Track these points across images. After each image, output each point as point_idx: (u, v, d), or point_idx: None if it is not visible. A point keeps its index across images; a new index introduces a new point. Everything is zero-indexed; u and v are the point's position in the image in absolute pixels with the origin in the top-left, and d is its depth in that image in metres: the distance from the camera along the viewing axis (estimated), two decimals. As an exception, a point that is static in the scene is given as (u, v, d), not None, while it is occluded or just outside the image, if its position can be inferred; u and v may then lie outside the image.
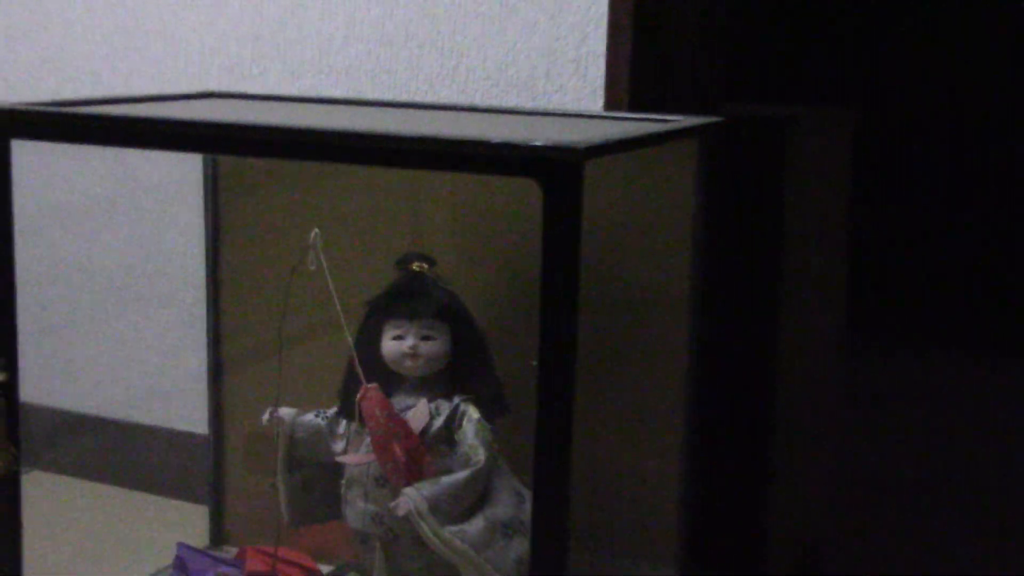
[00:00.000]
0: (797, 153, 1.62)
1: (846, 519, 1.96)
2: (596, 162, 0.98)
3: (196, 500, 1.62)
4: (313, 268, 1.16)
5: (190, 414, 1.70)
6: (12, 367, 1.17)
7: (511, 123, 1.26)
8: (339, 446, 1.22)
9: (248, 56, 1.67)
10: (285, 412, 1.24)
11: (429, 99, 1.55)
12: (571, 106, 1.48)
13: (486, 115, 1.35)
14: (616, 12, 1.44)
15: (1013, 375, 3.03)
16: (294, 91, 1.63)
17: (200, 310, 1.52)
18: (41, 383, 1.80)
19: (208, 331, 1.50)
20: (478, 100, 1.53)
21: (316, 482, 1.26)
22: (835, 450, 1.88)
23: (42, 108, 1.17)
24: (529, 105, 1.50)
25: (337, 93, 1.61)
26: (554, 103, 1.49)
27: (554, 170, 0.95)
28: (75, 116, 1.16)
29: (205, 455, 1.54)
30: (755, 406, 1.62)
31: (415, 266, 1.20)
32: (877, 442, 2.45)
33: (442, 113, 1.35)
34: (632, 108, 1.43)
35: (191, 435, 1.69)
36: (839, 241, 1.82)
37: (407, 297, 1.19)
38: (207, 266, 1.49)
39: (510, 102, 1.51)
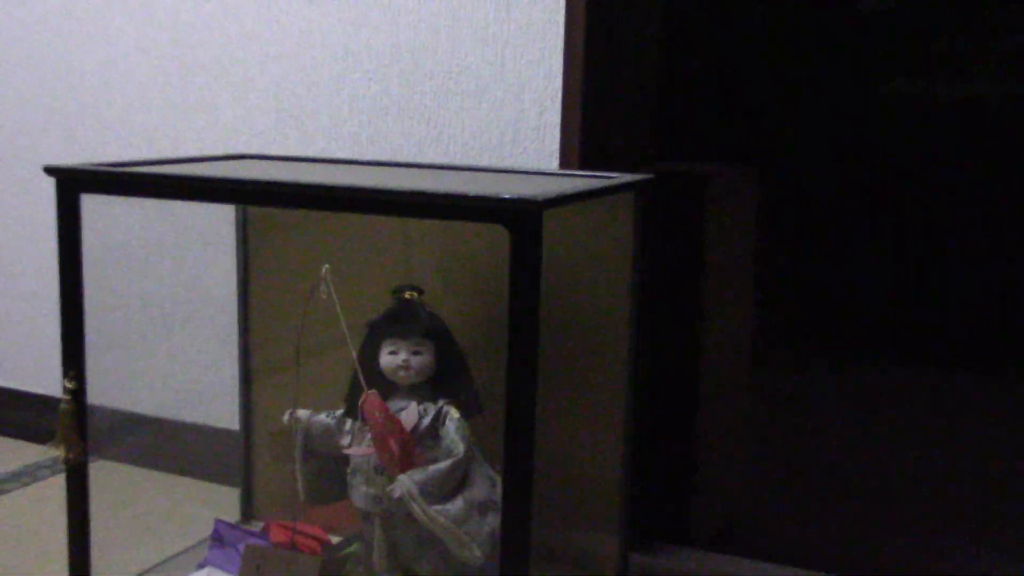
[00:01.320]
0: (714, 201, 1.63)
1: (755, 496, 1.96)
2: (553, 211, 0.99)
3: (230, 484, 1.60)
4: (324, 297, 1.15)
5: (225, 414, 1.69)
6: (80, 378, 1.17)
7: (484, 179, 1.26)
8: (345, 440, 1.21)
9: (272, 125, 1.66)
10: (302, 413, 1.23)
11: (418, 160, 1.56)
12: (532, 166, 1.48)
13: (463, 173, 1.34)
14: (568, 91, 1.44)
15: (878, 373, 3.05)
16: (309, 153, 1.63)
17: (233, 329, 1.52)
18: (105, 389, 1.78)
19: (239, 347, 1.50)
20: (457, 161, 1.53)
21: (327, 469, 1.25)
22: (745, 440, 1.88)
23: (105, 168, 1.17)
24: (498, 165, 1.50)
25: (344, 155, 1.61)
26: (519, 163, 1.49)
27: (518, 218, 0.96)
28: (132, 175, 1.15)
29: (237, 447, 1.54)
30: (681, 404, 1.62)
31: (407, 295, 1.20)
32: (780, 433, 2.45)
33: (428, 172, 1.34)
34: (582, 167, 1.44)
35: (226, 431, 1.68)
36: (747, 270, 1.83)
37: (400, 320, 1.19)
38: (239, 294, 1.49)
39: (483, 162, 1.52)
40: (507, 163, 1.50)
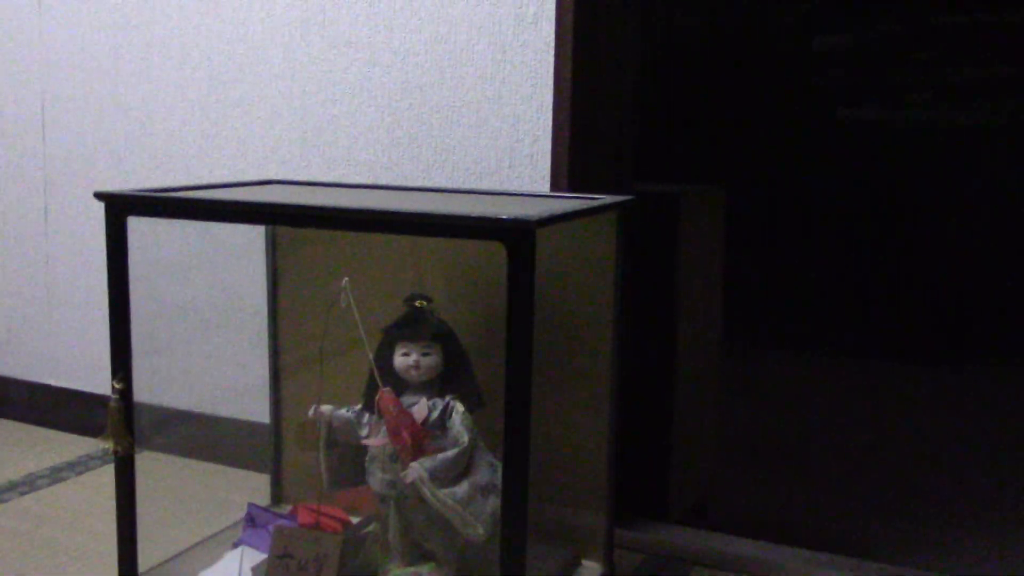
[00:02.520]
0: (687, 217, 1.62)
1: (725, 475, 1.96)
2: (545, 229, 0.98)
3: (261, 471, 1.59)
4: (344, 306, 1.15)
5: (257, 408, 1.68)
6: (128, 379, 1.16)
7: (484, 201, 1.25)
8: (364, 432, 1.20)
9: (297, 153, 1.66)
10: (325, 408, 1.22)
11: (426, 183, 1.55)
12: (526, 188, 1.48)
13: (466, 195, 1.34)
14: (557, 123, 1.44)
15: (837, 364, 3.05)
16: (330, 178, 1.62)
17: (263, 333, 1.50)
18: (150, 387, 1.77)
19: (269, 348, 1.49)
20: (460, 184, 1.53)
21: (347, 457, 1.23)
22: (716, 425, 1.88)
23: (148, 194, 1.16)
24: (497, 187, 1.49)
25: (360, 180, 1.60)
26: (515, 186, 1.49)
27: (515, 235, 0.95)
28: (173, 199, 1.15)
29: (268, 438, 1.53)
30: (659, 394, 1.62)
31: (417, 303, 1.18)
32: (747, 418, 2.45)
33: (435, 194, 1.34)
34: (570, 189, 1.44)
35: (258, 423, 1.67)
36: (717, 275, 1.83)
37: (411, 325, 1.18)
38: (268, 301, 1.48)
39: (483, 186, 1.51)
40: (504, 186, 1.49)
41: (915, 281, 3.25)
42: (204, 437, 1.76)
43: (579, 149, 1.45)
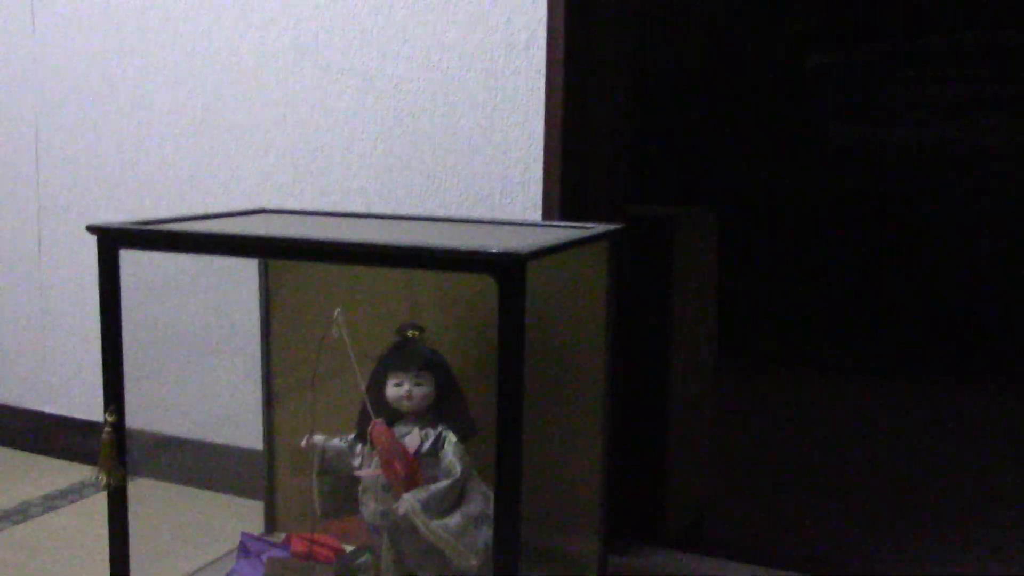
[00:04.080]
0: (680, 241, 1.63)
1: (722, 496, 1.96)
2: (535, 263, 0.99)
3: (255, 498, 1.59)
4: (336, 336, 1.15)
5: (250, 435, 1.68)
6: (120, 412, 1.16)
7: (475, 231, 1.25)
8: (356, 462, 1.20)
9: (290, 181, 1.66)
10: (318, 438, 1.22)
11: (418, 211, 1.55)
12: (518, 215, 1.48)
13: (457, 224, 1.34)
14: (548, 150, 1.45)
15: (832, 383, 3.06)
16: (323, 205, 1.63)
17: (257, 360, 1.50)
18: (144, 413, 1.77)
19: (262, 375, 1.49)
20: (453, 211, 1.53)
21: (341, 487, 1.23)
22: (712, 446, 1.88)
23: (140, 227, 1.16)
24: (489, 215, 1.50)
25: (354, 207, 1.60)
26: (507, 213, 1.49)
27: (505, 269, 0.96)
28: (165, 232, 1.15)
29: (262, 464, 1.52)
30: (653, 415, 1.62)
31: (409, 333, 1.19)
32: (744, 438, 2.45)
33: (427, 224, 1.34)
34: (562, 215, 1.44)
35: (251, 450, 1.67)
36: (711, 298, 1.83)
37: (403, 355, 1.18)
38: (261, 328, 1.48)
39: (476, 213, 1.52)
40: (496, 213, 1.50)
41: (910, 298, 3.27)
42: (198, 464, 1.76)
43: (570, 176, 1.46)
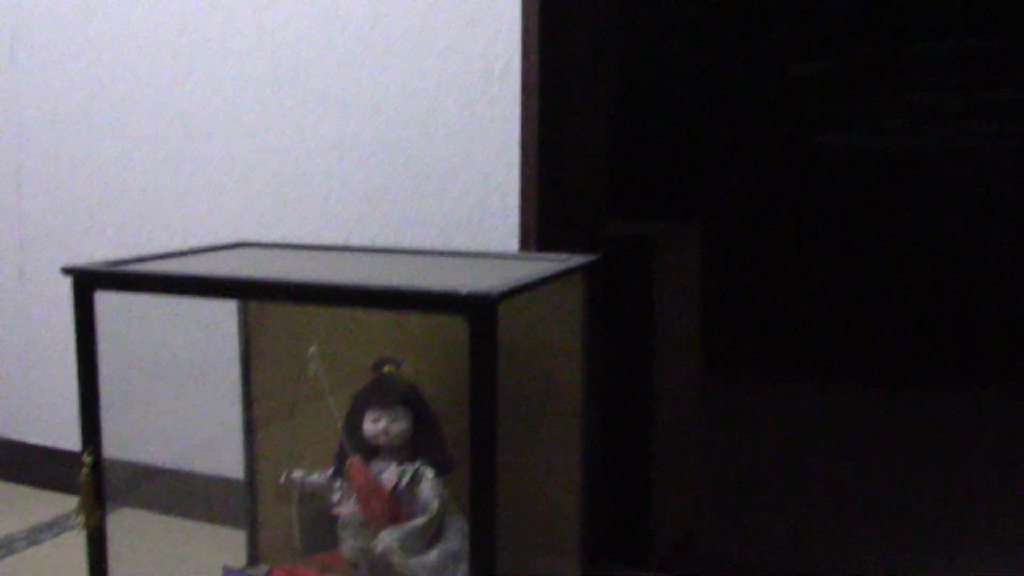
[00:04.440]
0: (661, 258, 1.64)
1: (711, 512, 1.96)
2: (508, 302, 0.99)
3: (237, 527, 1.59)
4: (312, 375, 1.16)
5: (231, 465, 1.68)
6: (98, 452, 1.16)
7: (451, 265, 1.25)
8: (335, 498, 1.20)
9: (271, 208, 1.67)
10: (297, 474, 1.23)
11: (398, 238, 1.56)
12: (497, 242, 1.48)
13: (433, 258, 1.34)
14: (525, 178, 1.45)
15: (817, 397, 3.07)
16: (304, 233, 1.63)
17: (237, 386, 1.49)
18: (125, 443, 1.77)
19: (243, 402, 1.49)
20: (433, 238, 1.53)
21: (321, 521, 1.24)
22: (698, 463, 1.88)
23: (116, 270, 1.16)
24: (468, 245, 1.50)
25: (334, 234, 1.61)
26: (486, 239, 1.49)
27: (476, 310, 0.97)
28: (141, 274, 1.15)
29: (243, 494, 1.52)
30: (637, 436, 1.62)
31: (386, 368, 1.20)
32: (731, 453, 2.45)
33: (404, 256, 1.34)
34: (540, 241, 1.44)
35: (234, 480, 1.67)
36: (694, 315, 1.84)
37: (380, 391, 1.19)
38: (241, 355, 1.47)
39: (456, 238, 1.52)
40: (475, 241, 1.50)
41: (898, 306, 3.28)
42: (180, 493, 1.76)
43: (548, 204, 1.46)
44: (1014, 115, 3.22)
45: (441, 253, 1.38)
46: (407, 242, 1.55)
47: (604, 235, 1.63)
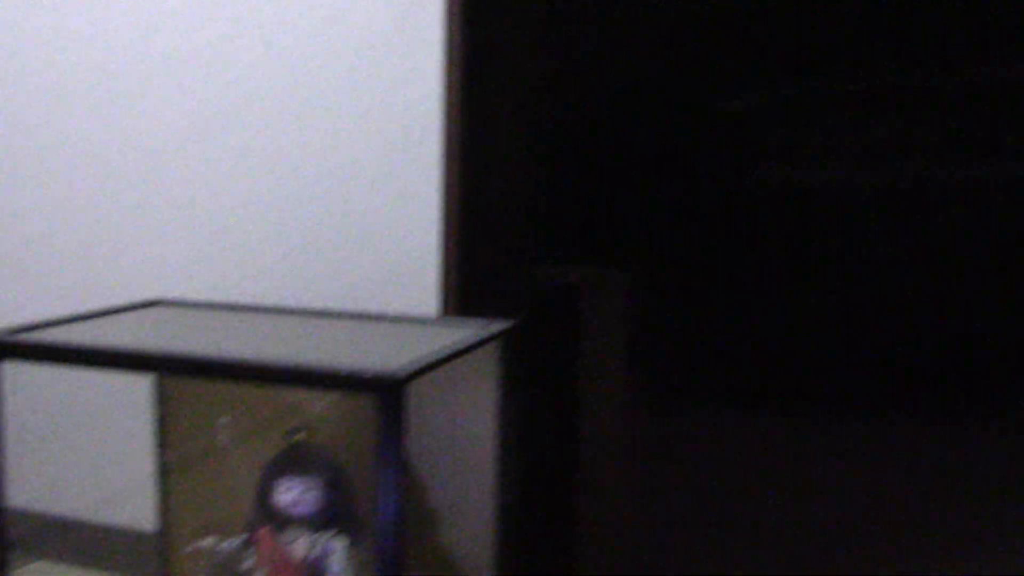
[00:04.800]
0: (588, 307, 1.66)
1: (639, 547, 1.97)
2: (417, 380, 1.01)
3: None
4: (223, 446, 1.16)
5: (143, 515, 1.65)
6: (2, 518, 1.14)
7: (365, 332, 1.26)
8: (246, 566, 1.20)
9: (189, 263, 1.65)
10: (208, 541, 1.22)
11: (318, 296, 1.55)
12: (416, 302, 1.49)
13: (349, 323, 1.34)
14: (447, 235, 1.47)
15: (751, 438, 3.11)
16: (223, 289, 1.61)
17: (150, 436, 1.47)
18: (33, 493, 1.74)
19: (156, 449, 1.46)
20: (352, 296, 1.53)
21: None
22: (631, 515, 1.90)
23: (23, 339, 1.14)
24: (386, 304, 1.50)
25: (255, 290, 1.60)
26: (404, 300, 1.49)
27: (385, 391, 0.98)
28: (48, 346, 1.13)
29: (157, 547, 1.50)
30: (561, 489, 1.64)
31: (296, 437, 1.20)
32: (656, 490, 2.47)
33: (319, 320, 1.34)
34: (460, 299, 1.45)
35: (145, 532, 1.65)
36: (621, 364, 1.87)
37: (292, 460, 1.19)
38: (155, 420, 1.45)
39: (376, 296, 1.51)
40: (395, 299, 1.50)
41: (840, 339, 3.35)
42: (91, 545, 1.73)
43: (469, 262, 1.48)
44: (953, 150, 3.33)
45: (358, 316, 1.38)
46: (326, 299, 1.56)
47: (530, 286, 1.65)
